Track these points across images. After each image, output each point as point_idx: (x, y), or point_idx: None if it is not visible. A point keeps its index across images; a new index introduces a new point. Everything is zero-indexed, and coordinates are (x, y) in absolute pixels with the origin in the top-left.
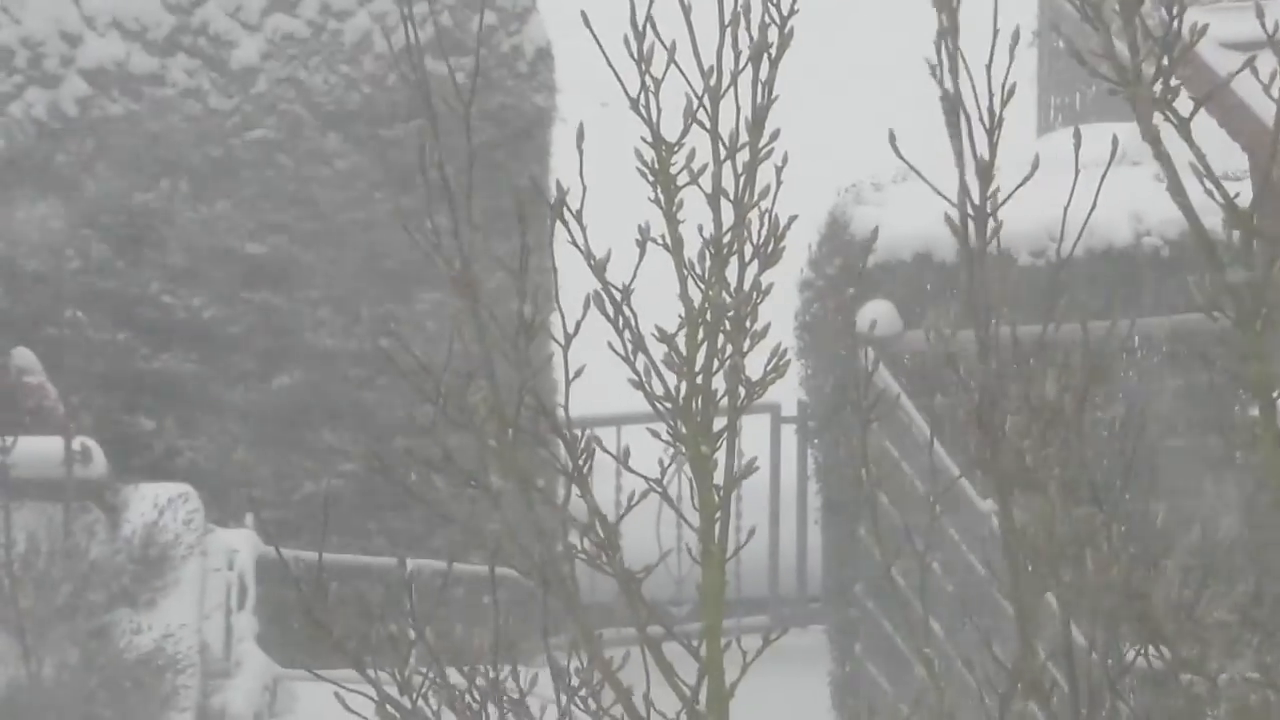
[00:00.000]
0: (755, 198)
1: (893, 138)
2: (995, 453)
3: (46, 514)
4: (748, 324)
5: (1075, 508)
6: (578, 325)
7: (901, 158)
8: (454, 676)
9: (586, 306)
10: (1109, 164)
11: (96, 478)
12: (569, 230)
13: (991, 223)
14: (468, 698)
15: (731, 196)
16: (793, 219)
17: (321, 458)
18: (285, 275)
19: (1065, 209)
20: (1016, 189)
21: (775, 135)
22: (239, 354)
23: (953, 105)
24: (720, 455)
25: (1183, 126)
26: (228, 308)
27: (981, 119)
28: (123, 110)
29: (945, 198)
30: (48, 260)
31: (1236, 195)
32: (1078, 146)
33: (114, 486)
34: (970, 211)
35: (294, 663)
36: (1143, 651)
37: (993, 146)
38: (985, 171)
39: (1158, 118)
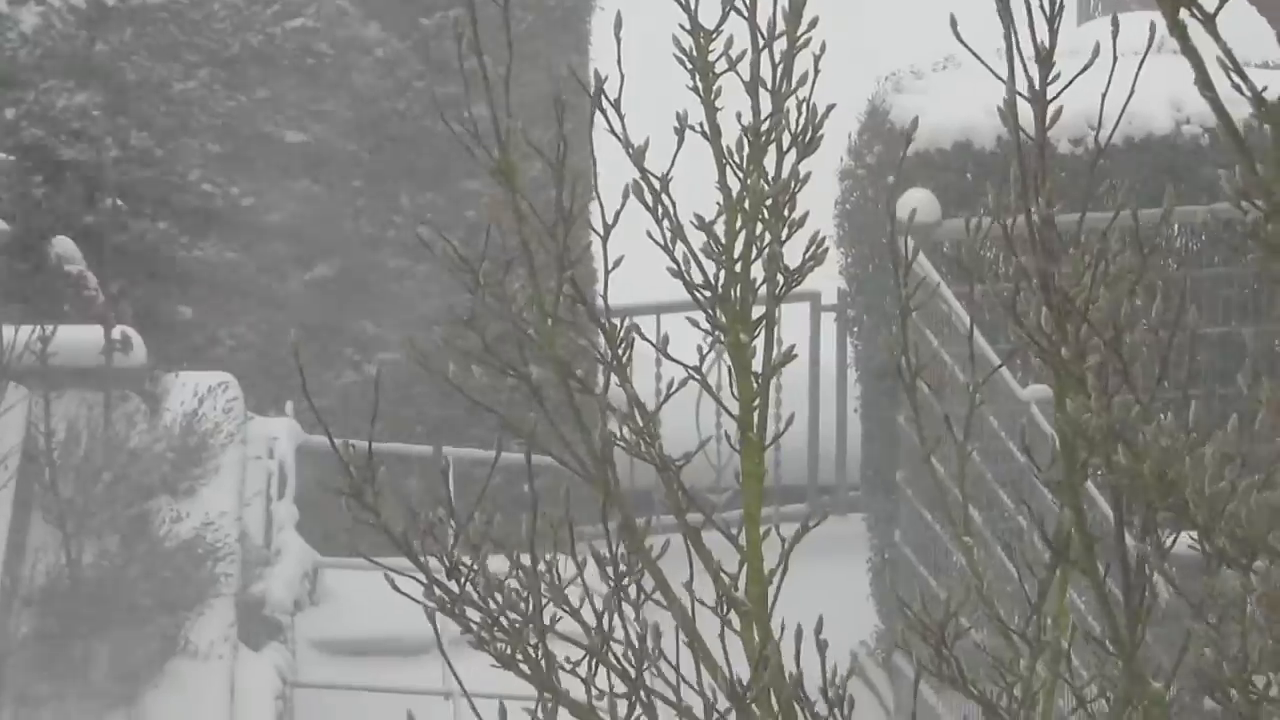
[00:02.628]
0: (793, 86)
1: (954, 22)
2: (1044, 341)
3: (86, 402)
4: (786, 212)
5: (1113, 398)
6: (617, 215)
7: (963, 43)
8: (495, 565)
9: (625, 195)
10: (1146, 52)
11: (136, 366)
12: (607, 119)
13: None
14: (511, 583)
15: (770, 85)
16: (830, 108)
17: (361, 347)
18: (325, 164)
19: (1103, 96)
20: (1077, 76)
21: (813, 23)
22: (278, 242)
23: None
24: (759, 343)
25: (1208, 22)
26: (267, 196)
27: (1042, 5)
28: None
29: (1006, 83)
30: (87, 149)
31: (1264, 89)
32: (1115, 34)
33: (154, 375)
34: (1029, 98)
35: (332, 551)
36: (1199, 541)
37: (1053, 33)
38: (1045, 58)
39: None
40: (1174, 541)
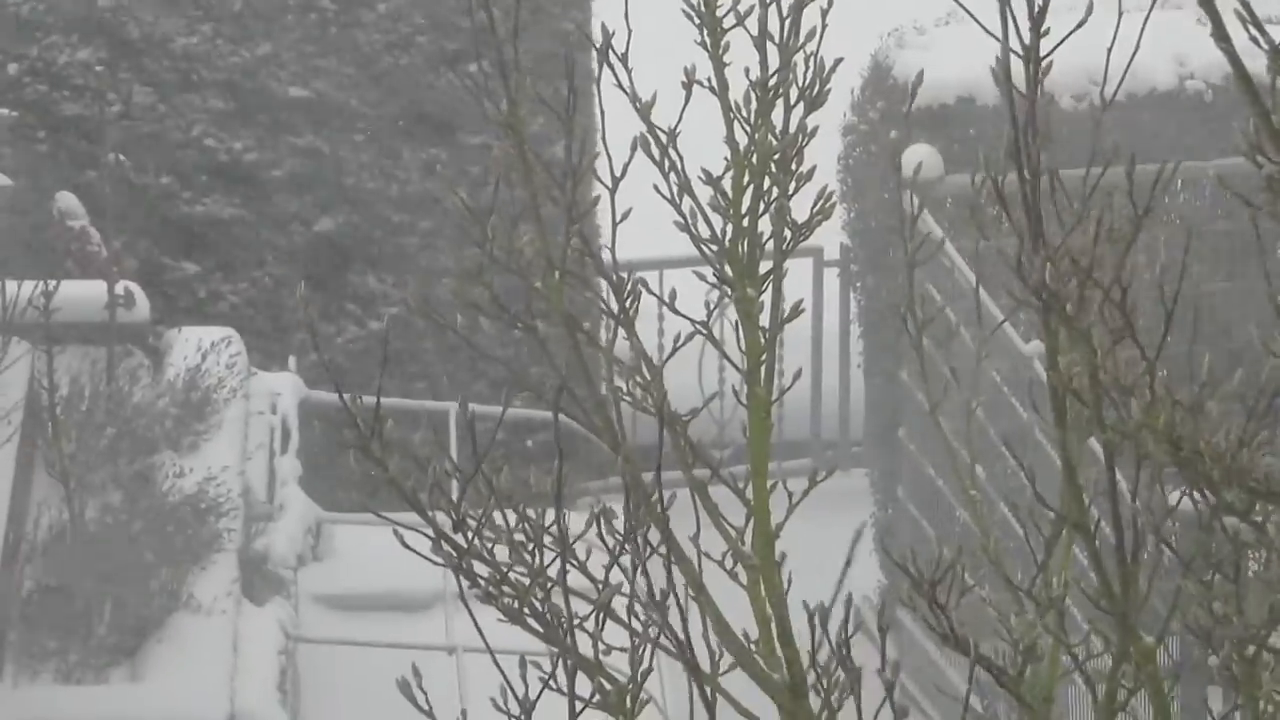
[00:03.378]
0: (801, 40)
1: None
2: (1042, 296)
3: (89, 358)
4: (793, 166)
5: (1119, 352)
6: (624, 168)
7: (960, 4)
8: (500, 519)
9: (633, 149)
10: (1151, 7)
11: (139, 321)
12: (614, 73)
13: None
14: (518, 537)
15: (777, 39)
16: (838, 61)
17: (364, 302)
18: (328, 119)
19: (1108, 51)
20: (1070, 33)
21: None
22: (281, 198)
23: None
24: (766, 298)
25: None
26: (270, 151)
27: None
28: None
29: (996, 38)
30: (89, 105)
31: None
32: None
33: (157, 330)
34: (1020, 54)
35: (335, 506)
36: (1191, 495)
37: None
38: (1039, 15)
39: None
40: (1180, 500)
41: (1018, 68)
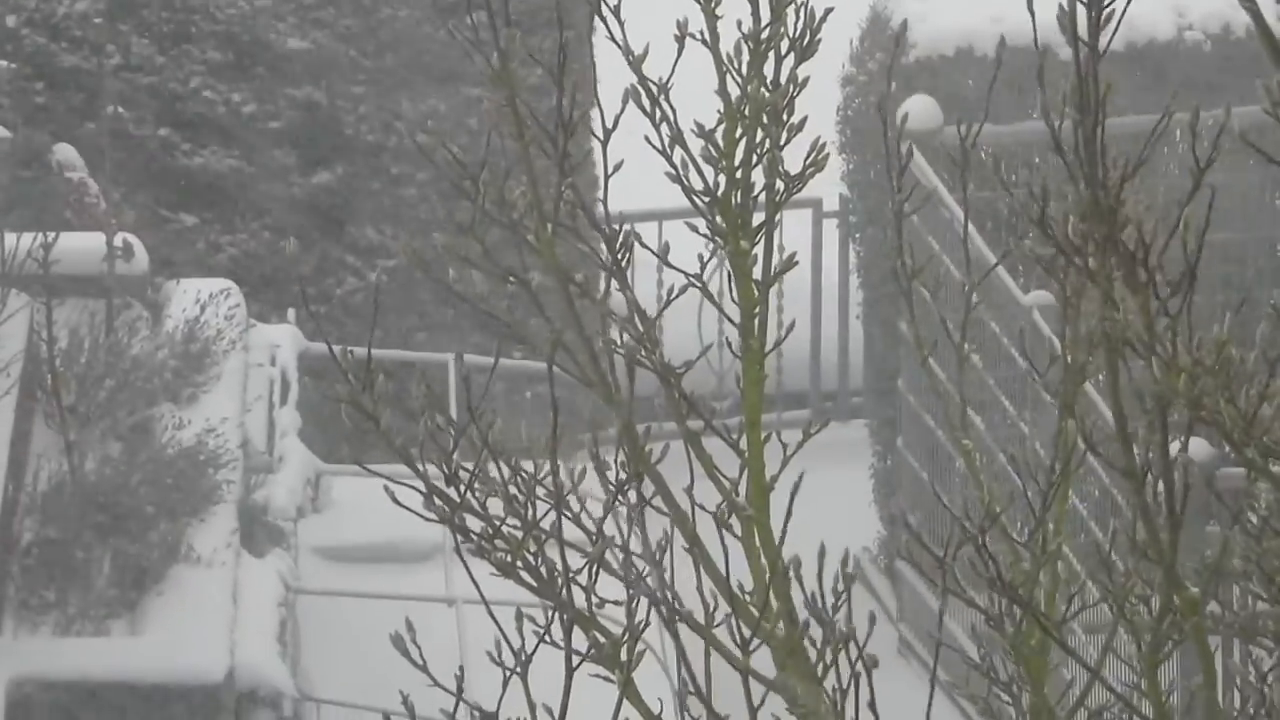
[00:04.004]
0: None
1: None
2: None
3: (88, 310)
4: (785, 117)
5: (1139, 303)
6: (616, 120)
7: None
8: (495, 471)
9: (625, 101)
10: None
11: (138, 274)
12: (607, 26)
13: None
14: (512, 490)
15: None
16: (828, 11)
17: (363, 254)
18: (326, 71)
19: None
20: None
21: None
22: (280, 149)
23: None
24: (759, 250)
25: None
26: (269, 103)
27: None
28: None
29: None
30: (89, 56)
31: None
32: None
33: (156, 282)
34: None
35: (334, 458)
36: (1234, 453)
37: None
38: None
39: None
40: (1178, 452)
41: (1020, 22)
